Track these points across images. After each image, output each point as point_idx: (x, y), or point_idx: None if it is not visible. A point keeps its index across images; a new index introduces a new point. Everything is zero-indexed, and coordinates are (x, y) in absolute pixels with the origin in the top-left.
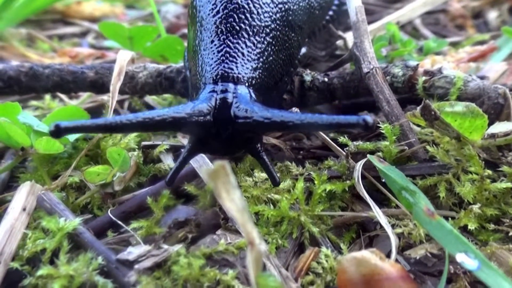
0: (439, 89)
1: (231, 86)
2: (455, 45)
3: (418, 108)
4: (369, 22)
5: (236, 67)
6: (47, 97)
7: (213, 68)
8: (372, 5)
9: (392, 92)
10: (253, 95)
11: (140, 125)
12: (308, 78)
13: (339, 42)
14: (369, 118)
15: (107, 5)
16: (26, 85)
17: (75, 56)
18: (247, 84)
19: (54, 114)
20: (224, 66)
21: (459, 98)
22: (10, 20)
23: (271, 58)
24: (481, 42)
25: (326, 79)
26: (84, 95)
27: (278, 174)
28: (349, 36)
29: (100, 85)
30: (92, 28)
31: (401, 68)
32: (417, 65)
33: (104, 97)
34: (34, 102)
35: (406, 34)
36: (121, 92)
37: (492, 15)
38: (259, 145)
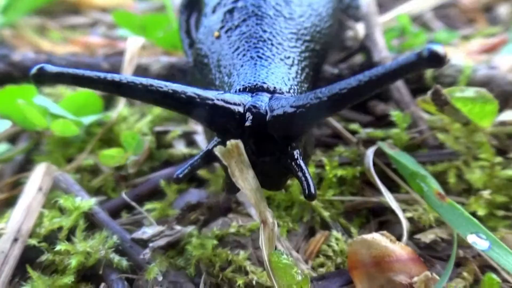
0: (448, 78)
1: (265, 96)
2: (465, 37)
3: (429, 93)
4: (379, 14)
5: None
6: None
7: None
8: None
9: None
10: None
11: (151, 93)
12: None
13: (350, 33)
14: (435, 46)
15: None
16: None
17: (87, 46)
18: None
19: (69, 98)
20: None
21: (468, 86)
22: (23, 10)
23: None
24: (492, 35)
25: (336, 71)
26: None
27: None
28: (359, 27)
29: None
30: (102, 18)
31: None
32: None
33: None
34: (47, 90)
35: (417, 26)
36: None
37: (503, 9)
38: (299, 148)
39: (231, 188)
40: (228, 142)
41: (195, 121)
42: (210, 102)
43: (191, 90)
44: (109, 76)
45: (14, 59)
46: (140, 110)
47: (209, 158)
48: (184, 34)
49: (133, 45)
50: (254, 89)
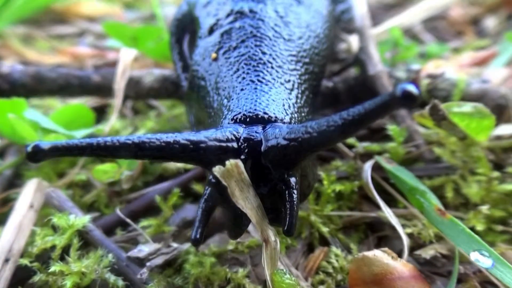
0: (442, 92)
1: (259, 126)
2: (456, 50)
3: (427, 108)
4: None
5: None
6: None
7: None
8: (372, 8)
9: None
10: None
11: (145, 151)
12: None
13: (343, 46)
14: (408, 86)
15: (106, 5)
16: (31, 89)
17: (76, 56)
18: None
19: (60, 112)
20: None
21: (462, 100)
22: (9, 19)
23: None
24: (481, 48)
25: (330, 84)
26: None
27: None
28: (352, 40)
29: (106, 89)
30: (90, 28)
31: (404, 72)
32: (420, 68)
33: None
34: (35, 101)
35: (407, 38)
36: (126, 96)
37: (490, 22)
38: (294, 178)
39: (235, 232)
40: (227, 162)
41: (191, 166)
42: (203, 145)
43: (182, 138)
44: (102, 141)
45: (2, 71)
46: (132, 123)
47: (211, 207)
48: (177, 56)
49: (125, 57)
50: (255, 120)
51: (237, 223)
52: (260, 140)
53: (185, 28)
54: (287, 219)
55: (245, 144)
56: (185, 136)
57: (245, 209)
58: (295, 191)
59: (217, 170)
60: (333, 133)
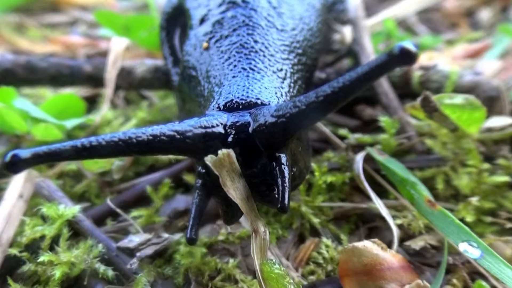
0: (435, 83)
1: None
2: (449, 42)
3: (418, 99)
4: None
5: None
6: None
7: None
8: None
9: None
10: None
11: (133, 146)
12: None
13: (337, 37)
14: (406, 43)
15: None
16: (22, 78)
17: (68, 45)
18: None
19: (51, 101)
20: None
21: (454, 92)
22: (0, 7)
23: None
24: (475, 40)
25: (323, 75)
26: None
27: None
28: (345, 31)
29: (97, 79)
30: (82, 17)
31: None
32: None
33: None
34: (27, 91)
35: (401, 30)
36: (118, 86)
37: (484, 14)
38: (285, 155)
39: (229, 217)
40: (219, 151)
41: (182, 157)
42: (190, 134)
43: (168, 129)
44: (86, 142)
45: None
46: (124, 114)
47: (204, 199)
48: (167, 50)
49: (117, 46)
50: (247, 106)
51: (230, 211)
52: (248, 122)
53: (176, 21)
54: (280, 196)
55: (233, 128)
56: (170, 127)
57: (235, 199)
58: (286, 168)
59: (209, 159)
60: (322, 104)
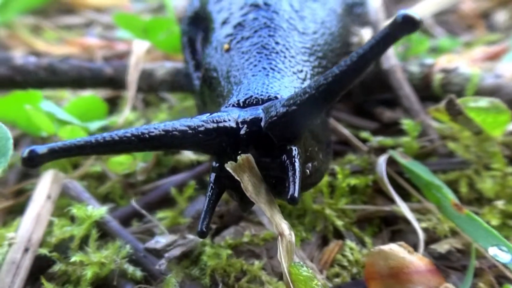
0: (456, 86)
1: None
2: (467, 44)
3: (442, 102)
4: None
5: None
6: None
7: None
8: (383, 1)
9: None
10: None
11: (146, 142)
12: None
13: (355, 39)
14: (408, 10)
15: None
16: (44, 80)
17: (85, 47)
18: None
19: (74, 103)
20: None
21: (476, 95)
22: (17, 9)
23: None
24: (492, 42)
25: None
26: None
27: None
28: (364, 33)
29: (118, 81)
30: (98, 18)
31: (418, 66)
32: (434, 63)
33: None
34: (46, 93)
35: (418, 32)
36: (138, 89)
37: (501, 16)
38: (297, 148)
39: (244, 204)
40: (239, 157)
41: (204, 158)
42: (202, 129)
43: (180, 124)
44: (100, 137)
45: (16, 63)
46: (144, 115)
47: (218, 193)
48: (189, 55)
49: (138, 49)
50: (266, 102)
51: (245, 200)
52: (261, 116)
53: (198, 25)
54: (289, 187)
55: (245, 122)
56: (183, 122)
57: (258, 203)
58: (297, 160)
59: (229, 166)
60: (332, 85)
